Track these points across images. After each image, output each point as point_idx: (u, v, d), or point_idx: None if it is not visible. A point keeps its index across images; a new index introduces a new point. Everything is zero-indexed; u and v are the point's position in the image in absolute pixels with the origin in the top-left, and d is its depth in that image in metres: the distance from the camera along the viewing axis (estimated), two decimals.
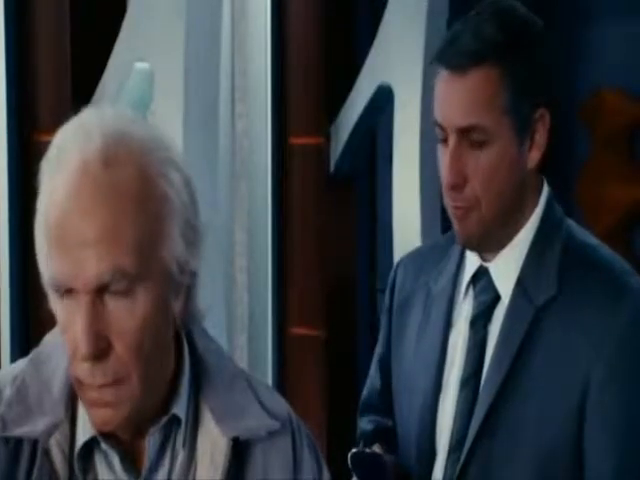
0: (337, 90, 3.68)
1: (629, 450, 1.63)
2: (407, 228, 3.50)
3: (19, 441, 1.28)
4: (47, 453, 1.27)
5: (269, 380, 3.65)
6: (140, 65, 2.70)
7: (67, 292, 1.21)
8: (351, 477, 1.79)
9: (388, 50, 3.58)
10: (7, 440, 1.28)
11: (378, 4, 3.83)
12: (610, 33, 4.59)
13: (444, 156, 1.66)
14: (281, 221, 3.65)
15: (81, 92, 2.73)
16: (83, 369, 1.22)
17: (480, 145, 1.63)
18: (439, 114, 1.66)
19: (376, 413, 1.93)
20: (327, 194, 3.67)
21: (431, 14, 3.46)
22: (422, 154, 3.45)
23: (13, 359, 2.63)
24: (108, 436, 1.28)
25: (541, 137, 1.68)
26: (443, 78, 1.66)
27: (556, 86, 1.71)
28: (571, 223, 1.75)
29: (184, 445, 1.31)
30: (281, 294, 3.67)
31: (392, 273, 1.91)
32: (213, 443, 1.31)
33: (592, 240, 1.75)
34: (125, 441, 1.30)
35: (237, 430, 1.32)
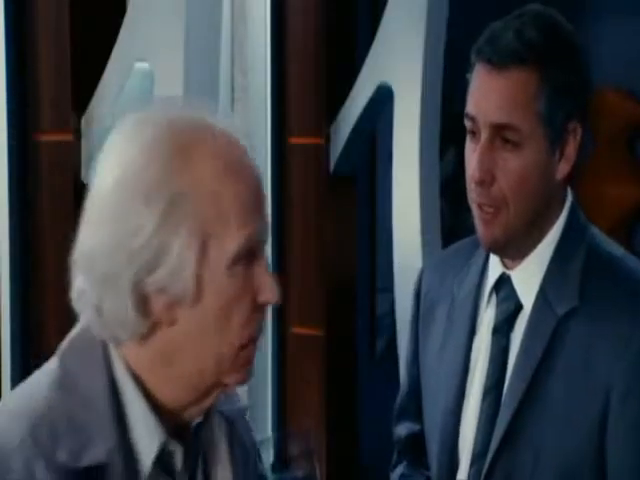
0: (337, 90, 3.68)
1: None
2: (407, 228, 3.49)
3: (86, 470, 1.22)
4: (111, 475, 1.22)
5: (269, 380, 3.65)
6: (140, 65, 2.70)
7: None
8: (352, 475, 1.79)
9: (388, 50, 3.57)
10: (76, 472, 1.21)
11: (378, 4, 3.83)
12: (610, 33, 4.59)
13: (473, 151, 1.65)
14: (281, 221, 3.65)
15: (81, 92, 2.74)
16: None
17: (511, 146, 1.62)
18: (474, 107, 1.65)
19: (409, 419, 1.92)
20: (327, 194, 3.66)
21: (431, 14, 3.45)
22: (422, 154, 3.45)
23: (13, 359, 2.63)
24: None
25: (571, 150, 1.66)
26: (481, 73, 1.64)
27: (589, 101, 1.68)
28: (595, 232, 1.74)
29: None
30: (281, 294, 3.66)
31: (417, 280, 1.90)
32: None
33: (616, 250, 1.74)
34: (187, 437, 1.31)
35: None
